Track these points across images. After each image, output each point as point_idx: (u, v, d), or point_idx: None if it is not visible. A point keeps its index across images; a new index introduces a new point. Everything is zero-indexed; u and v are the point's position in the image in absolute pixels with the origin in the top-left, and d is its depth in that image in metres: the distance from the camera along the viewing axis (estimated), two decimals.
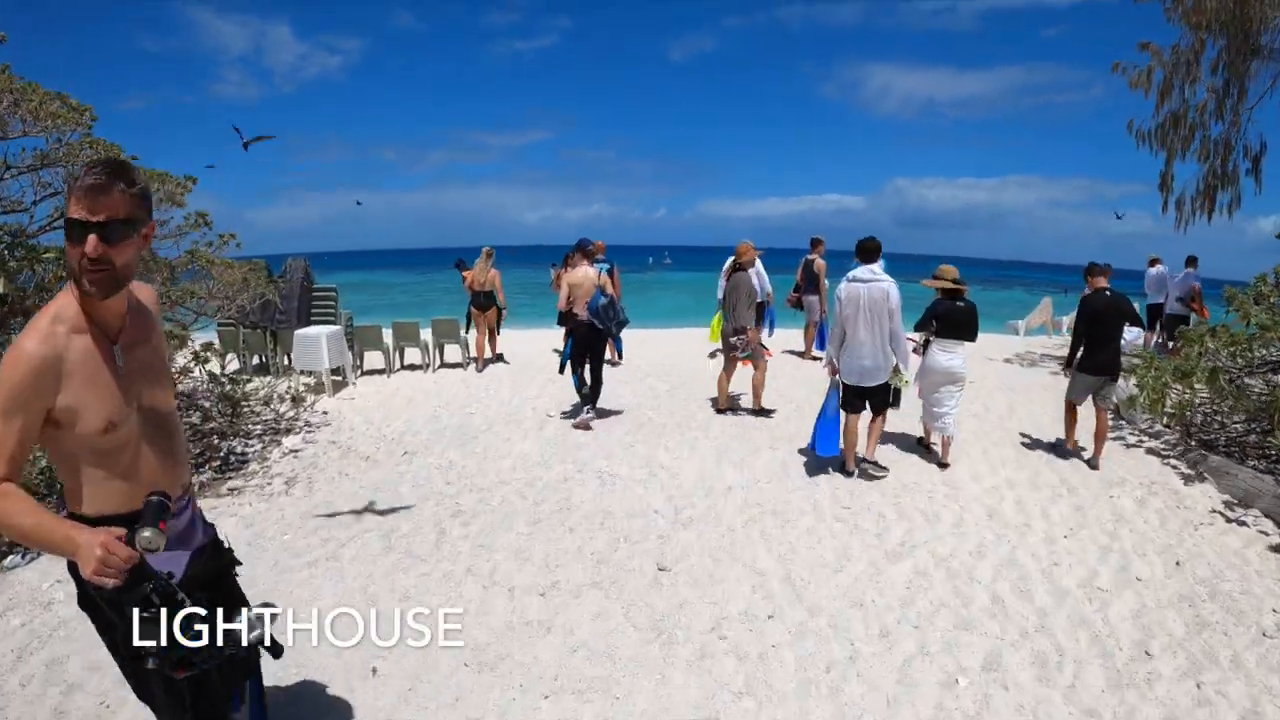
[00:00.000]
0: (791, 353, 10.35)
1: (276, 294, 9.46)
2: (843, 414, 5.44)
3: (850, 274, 5.25)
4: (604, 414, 7.14)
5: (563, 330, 8.10)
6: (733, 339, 6.78)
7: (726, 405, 7.18)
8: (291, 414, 7.43)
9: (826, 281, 9.50)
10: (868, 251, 5.27)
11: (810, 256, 9.55)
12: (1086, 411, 5.97)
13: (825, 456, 5.47)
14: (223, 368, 8.39)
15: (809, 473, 5.54)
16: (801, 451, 5.99)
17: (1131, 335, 9.74)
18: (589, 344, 6.65)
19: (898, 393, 5.84)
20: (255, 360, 9.52)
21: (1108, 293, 5.65)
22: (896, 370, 5.38)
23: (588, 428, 6.67)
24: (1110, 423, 5.99)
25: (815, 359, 9.73)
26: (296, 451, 6.38)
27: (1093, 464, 5.74)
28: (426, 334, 9.66)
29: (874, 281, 5.13)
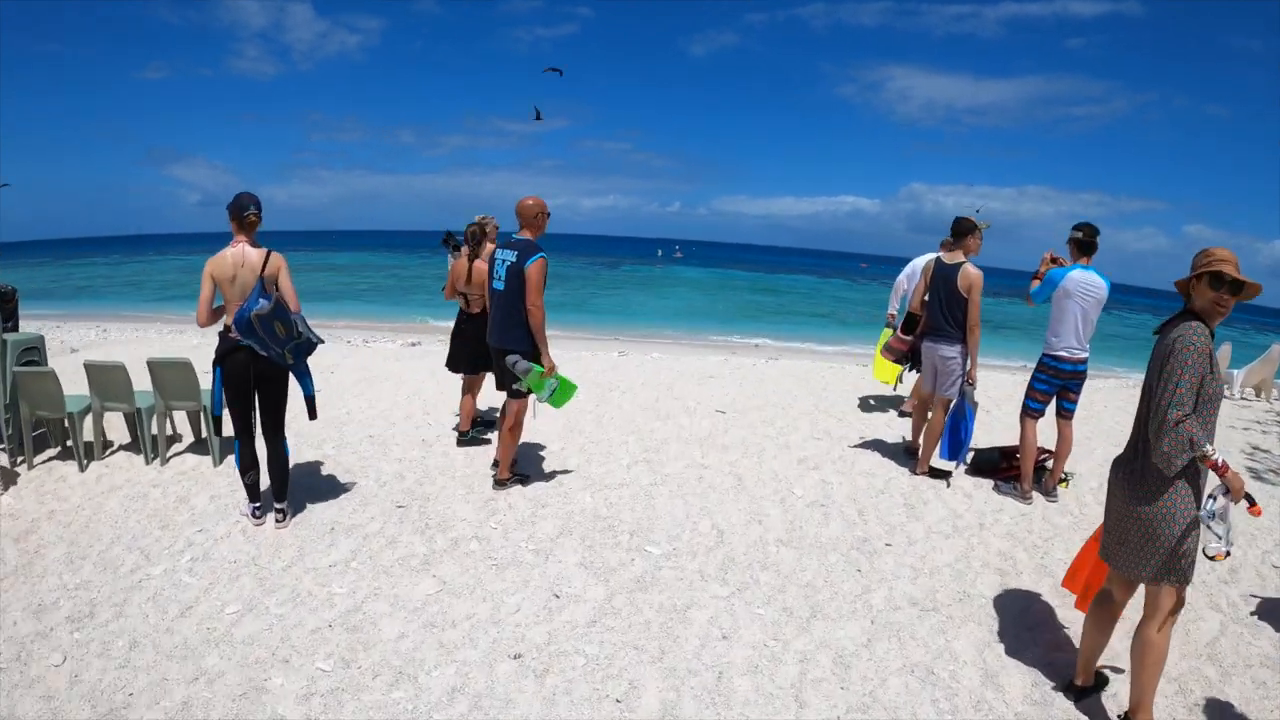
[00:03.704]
0: (877, 449, 5.36)
1: None
2: None
3: None
4: None
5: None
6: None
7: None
8: None
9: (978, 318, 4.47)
10: None
11: (953, 257, 4.52)
12: None
13: None
14: None
15: None
16: None
17: None
18: (250, 384, 3.69)
19: None
20: None
21: None
22: None
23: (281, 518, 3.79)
24: None
25: (939, 475, 4.75)
26: None
27: None
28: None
29: None
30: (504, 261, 3.98)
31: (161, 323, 14.75)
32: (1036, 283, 4.48)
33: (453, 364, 5.14)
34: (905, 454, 5.16)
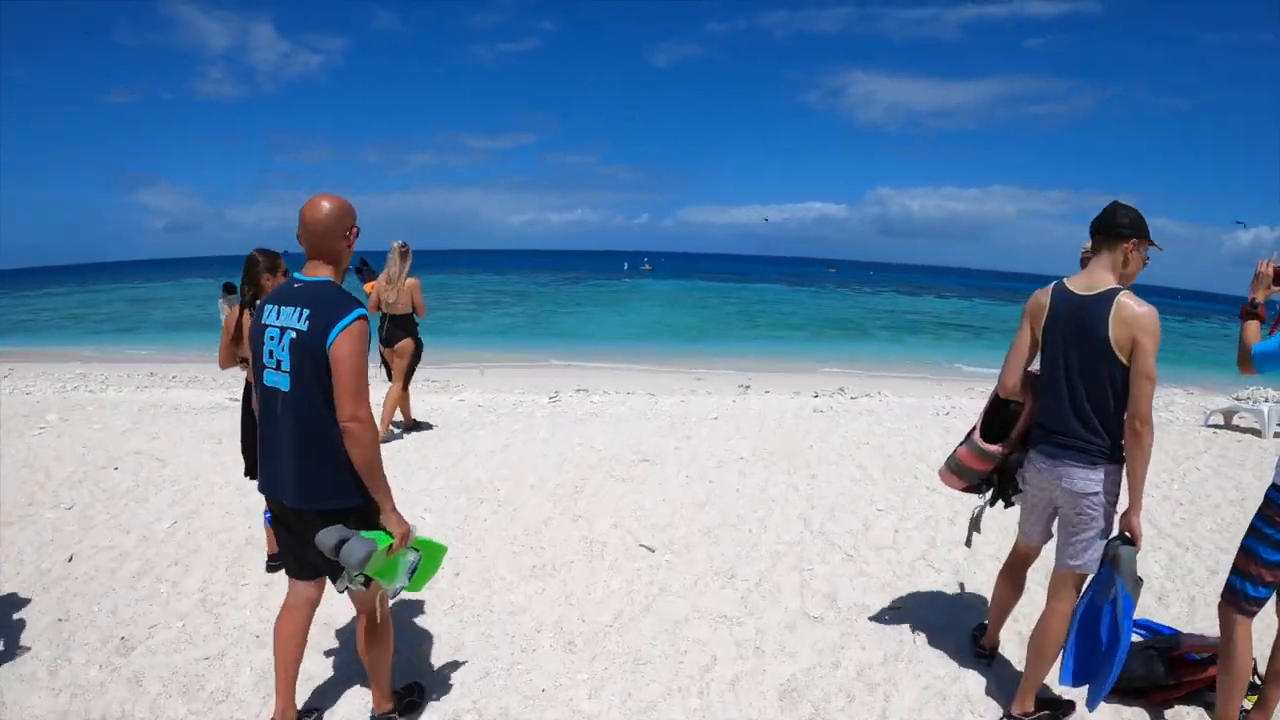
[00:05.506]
0: (923, 633, 2.95)
1: None
2: None
3: None
4: None
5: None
6: None
7: None
8: None
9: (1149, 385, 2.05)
10: None
11: (1093, 281, 2.16)
12: None
13: None
14: None
15: None
16: None
17: None
18: None
19: None
20: None
21: None
22: None
23: None
24: None
25: (1049, 711, 2.36)
26: None
27: None
28: None
29: None
30: (285, 331, 1.76)
31: (79, 360, 12.65)
32: (1256, 329, 2.17)
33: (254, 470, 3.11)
34: (975, 650, 2.76)
